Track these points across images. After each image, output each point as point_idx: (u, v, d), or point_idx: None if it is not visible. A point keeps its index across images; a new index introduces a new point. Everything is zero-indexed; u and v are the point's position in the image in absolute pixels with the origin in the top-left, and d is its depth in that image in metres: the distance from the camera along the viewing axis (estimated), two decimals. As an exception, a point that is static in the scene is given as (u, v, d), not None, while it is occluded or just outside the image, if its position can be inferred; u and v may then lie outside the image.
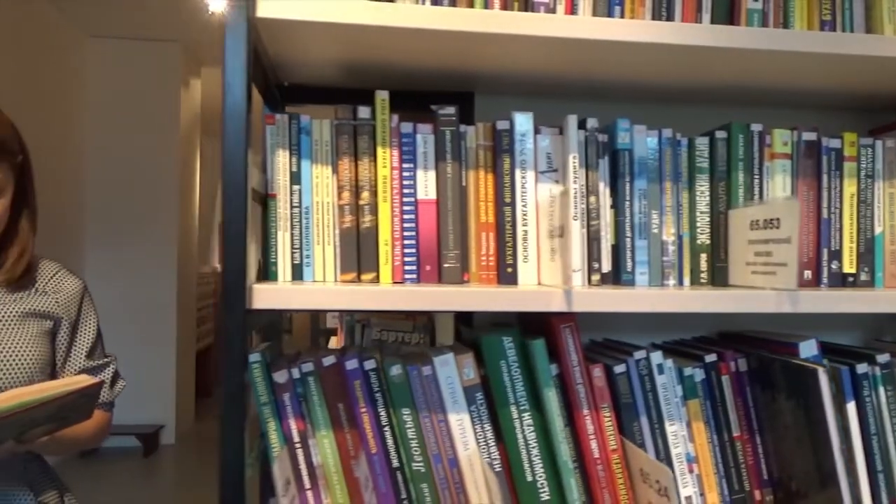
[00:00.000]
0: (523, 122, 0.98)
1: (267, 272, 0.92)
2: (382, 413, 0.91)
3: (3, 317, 1.13)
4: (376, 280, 0.94)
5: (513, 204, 0.97)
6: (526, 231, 0.97)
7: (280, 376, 0.91)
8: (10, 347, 1.10)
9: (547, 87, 1.13)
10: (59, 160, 4.60)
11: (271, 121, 0.93)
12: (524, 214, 0.97)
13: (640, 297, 0.86)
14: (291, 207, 0.93)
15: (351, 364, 0.91)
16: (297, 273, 0.93)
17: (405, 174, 0.95)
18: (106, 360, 1.29)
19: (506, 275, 0.97)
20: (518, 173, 0.97)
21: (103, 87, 5.04)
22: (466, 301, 0.83)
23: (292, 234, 0.93)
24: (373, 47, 0.95)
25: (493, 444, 0.94)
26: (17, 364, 1.10)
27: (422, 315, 1.68)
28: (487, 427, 0.94)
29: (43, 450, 1.11)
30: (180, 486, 4.40)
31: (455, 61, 1.02)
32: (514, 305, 0.84)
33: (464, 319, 1.18)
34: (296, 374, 0.91)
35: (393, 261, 0.94)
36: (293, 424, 0.91)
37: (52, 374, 1.19)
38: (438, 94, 1.15)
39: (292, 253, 0.93)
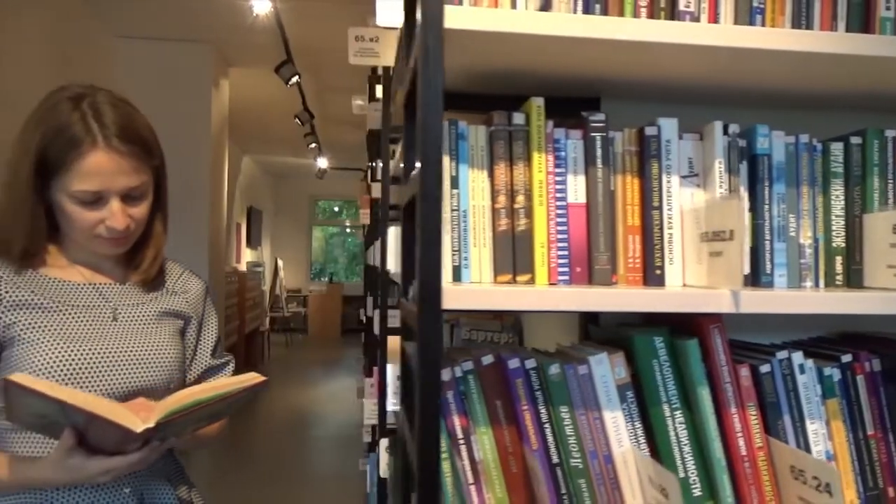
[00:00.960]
0: (669, 127, 1.00)
1: (428, 273, 0.95)
2: (542, 410, 0.94)
3: (142, 316, 1.16)
4: (532, 281, 0.96)
5: (660, 208, 0.99)
6: (671, 234, 1.00)
7: (444, 374, 0.93)
8: (151, 347, 1.13)
9: (675, 92, 1.15)
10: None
11: (432, 126, 0.95)
12: (669, 218, 1.00)
13: (809, 299, 0.89)
14: (451, 211, 0.95)
15: (513, 363, 0.94)
16: (457, 274, 0.96)
17: (557, 178, 0.98)
18: (226, 358, 1.32)
19: (654, 276, 0.99)
20: (664, 178, 1.00)
21: (134, 88, 5.06)
22: (644, 302, 0.86)
23: (452, 237, 0.95)
24: (518, 54, 0.98)
25: (643, 441, 0.97)
26: (159, 363, 1.13)
27: (509, 315, 1.71)
28: (638, 424, 0.97)
29: (182, 445, 1.14)
30: (218, 484, 4.44)
31: (592, 67, 1.04)
32: (684, 306, 0.87)
33: (590, 319, 1.20)
34: (458, 372, 0.94)
35: (549, 262, 0.96)
36: (456, 421, 0.93)
37: (184, 373, 1.22)
38: (564, 100, 1.17)
39: (452, 255, 0.95)
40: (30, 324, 1.04)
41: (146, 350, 1.12)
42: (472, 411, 0.94)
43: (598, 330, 1.16)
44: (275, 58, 5.59)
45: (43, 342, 1.03)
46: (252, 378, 1.00)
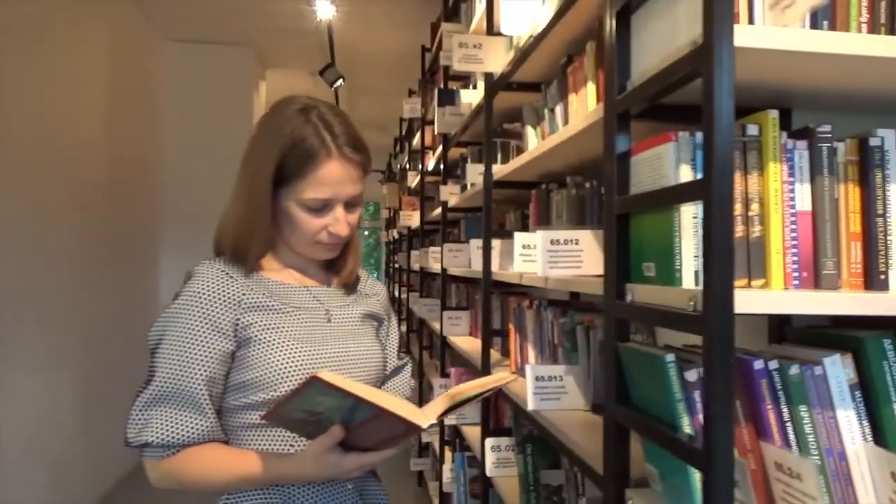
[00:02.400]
0: (889, 138, 1.05)
1: (671, 278, 0.99)
2: (784, 410, 0.98)
3: (350, 318, 1.20)
4: (766, 286, 1.00)
5: (884, 215, 1.04)
6: (891, 240, 1.04)
7: (691, 375, 0.97)
8: (363, 347, 1.17)
9: (873, 103, 1.19)
10: (139, 161, 4.65)
11: (673, 138, 1.00)
12: (890, 224, 1.04)
13: None
14: (693, 217, 0.99)
15: (758, 364, 0.98)
16: (696, 279, 0.99)
17: (789, 187, 1.02)
18: (406, 359, 1.35)
19: (878, 281, 1.03)
20: (886, 186, 1.04)
21: (180, 90, 5.09)
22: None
23: (692, 244, 0.99)
24: (747, 69, 1.02)
25: (870, 439, 1.01)
26: (371, 363, 1.17)
27: (642, 317, 1.75)
28: (865, 423, 1.01)
29: None
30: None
31: (802, 80, 1.08)
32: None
33: (781, 320, 1.24)
34: (701, 373, 0.98)
35: (784, 268, 1.01)
36: (702, 420, 0.97)
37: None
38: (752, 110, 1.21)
39: (694, 259, 0.99)
40: (265, 325, 1.08)
41: (359, 350, 1.16)
42: (713, 410, 0.98)
43: (793, 331, 1.20)
44: (308, 60, 5.63)
45: (278, 343, 1.07)
46: (506, 377, 1.03)
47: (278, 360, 1.05)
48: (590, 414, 1.64)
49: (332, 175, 1.07)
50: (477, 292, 3.18)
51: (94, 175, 3.77)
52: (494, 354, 2.67)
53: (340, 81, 5.01)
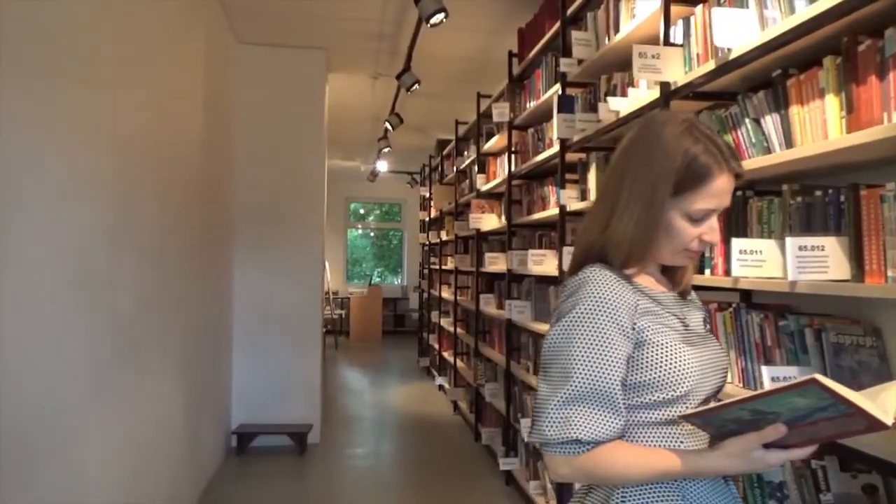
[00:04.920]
0: None
1: None
2: None
3: (697, 322, 1.26)
4: None
5: None
6: None
7: None
8: (718, 351, 1.23)
9: None
10: (221, 163, 4.67)
11: None
12: None
13: None
14: None
15: None
16: None
17: None
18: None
19: None
20: None
21: (254, 92, 5.10)
22: None
23: None
24: None
25: None
26: (725, 367, 1.23)
27: (867, 321, 1.83)
28: None
29: None
30: (347, 485, 4.49)
31: None
32: None
33: None
34: None
35: None
36: None
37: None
38: None
39: None
40: (656, 328, 1.14)
41: (718, 354, 1.22)
42: None
43: None
44: (371, 64, 5.69)
45: (670, 345, 1.13)
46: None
47: (674, 362, 1.11)
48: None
49: (722, 188, 1.14)
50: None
51: (193, 176, 3.80)
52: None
53: (416, 86, 5.05)
